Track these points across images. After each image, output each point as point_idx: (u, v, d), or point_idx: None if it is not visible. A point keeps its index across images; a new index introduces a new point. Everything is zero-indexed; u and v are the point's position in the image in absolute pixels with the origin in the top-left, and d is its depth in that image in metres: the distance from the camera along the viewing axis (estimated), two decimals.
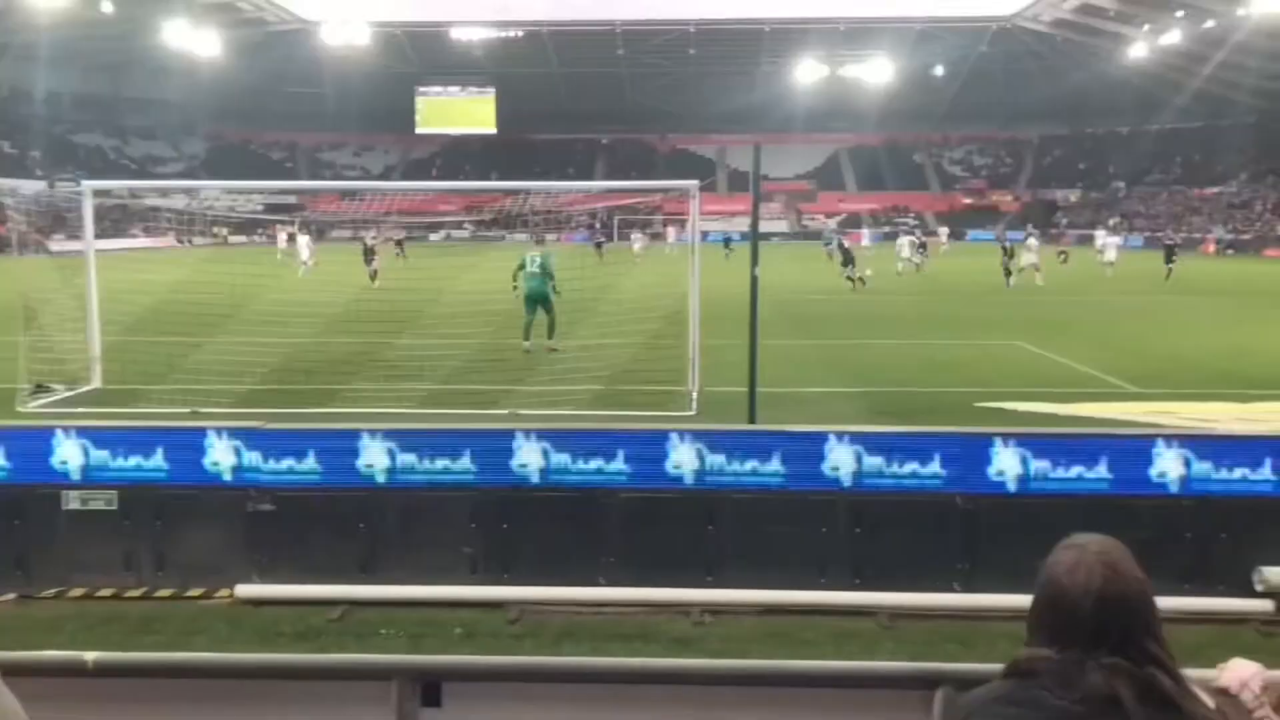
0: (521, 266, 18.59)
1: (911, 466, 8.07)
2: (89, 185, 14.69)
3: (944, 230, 66.45)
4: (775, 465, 8.14)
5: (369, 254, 34.68)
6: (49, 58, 74.22)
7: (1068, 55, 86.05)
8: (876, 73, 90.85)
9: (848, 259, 33.28)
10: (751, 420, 12.09)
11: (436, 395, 13.67)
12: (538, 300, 18.30)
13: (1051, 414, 12.97)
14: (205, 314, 16.43)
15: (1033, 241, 35.89)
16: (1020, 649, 1.95)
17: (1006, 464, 8.05)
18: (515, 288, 18.62)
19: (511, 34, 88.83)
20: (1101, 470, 8.02)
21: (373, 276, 32.58)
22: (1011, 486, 8.05)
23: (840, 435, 8.24)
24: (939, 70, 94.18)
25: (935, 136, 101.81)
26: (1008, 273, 33.50)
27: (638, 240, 53.22)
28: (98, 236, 15.42)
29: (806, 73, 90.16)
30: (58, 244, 54.10)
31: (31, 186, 76.31)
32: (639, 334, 15.85)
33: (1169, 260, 37.60)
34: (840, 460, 8.11)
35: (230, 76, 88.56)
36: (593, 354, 15.38)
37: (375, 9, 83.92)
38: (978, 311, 26.13)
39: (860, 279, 31.93)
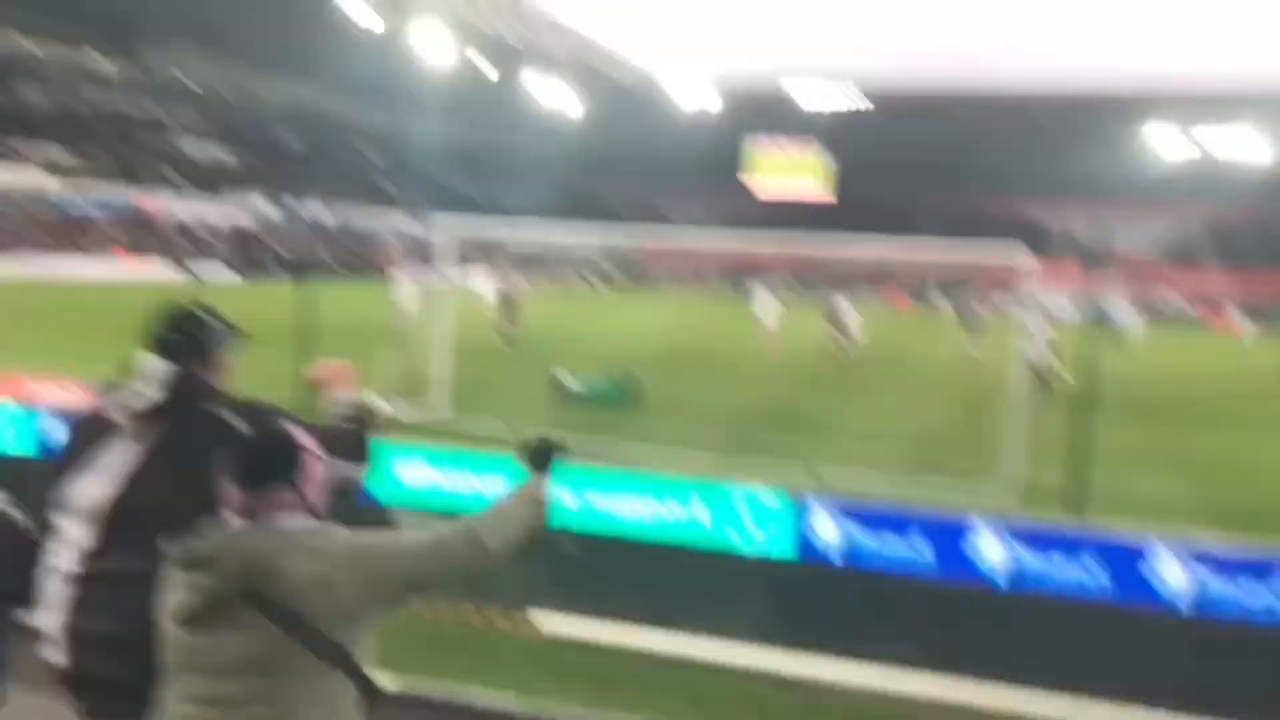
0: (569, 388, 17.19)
1: (1269, 598, 7.15)
2: (445, 222, 15.99)
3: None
4: (1098, 573, 7.50)
5: (509, 306, 25.66)
6: (431, 110, 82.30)
7: None
8: (1240, 140, 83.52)
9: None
10: (1077, 516, 11.25)
11: (734, 446, 13.63)
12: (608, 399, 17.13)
13: None
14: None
15: None
16: None
17: None
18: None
19: (848, 94, 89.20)
20: None
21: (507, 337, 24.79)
22: None
23: (1180, 547, 7.48)
24: None
25: None
26: None
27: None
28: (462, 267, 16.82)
29: (1160, 138, 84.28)
30: (422, 274, 59.84)
31: (408, 221, 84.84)
32: (956, 404, 15.15)
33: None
34: (1177, 576, 7.35)
35: (583, 131, 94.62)
36: (904, 420, 14.83)
37: (717, 68, 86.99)
38: None
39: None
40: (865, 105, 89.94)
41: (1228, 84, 77.96)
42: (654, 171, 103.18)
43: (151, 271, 54.31)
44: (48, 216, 53.65)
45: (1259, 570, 7.19)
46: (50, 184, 56.37)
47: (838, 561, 8.02)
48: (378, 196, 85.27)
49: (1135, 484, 13.47)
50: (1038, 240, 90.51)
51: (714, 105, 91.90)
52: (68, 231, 53.14)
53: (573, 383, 16.93)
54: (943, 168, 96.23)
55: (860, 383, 14.87)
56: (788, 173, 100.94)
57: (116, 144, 66.38)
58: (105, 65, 71.02)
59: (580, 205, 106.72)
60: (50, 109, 64.74)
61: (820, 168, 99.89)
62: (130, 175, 63.83)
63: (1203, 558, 7.34)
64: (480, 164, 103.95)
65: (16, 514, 3.46)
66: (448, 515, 8.73)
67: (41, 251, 50.23)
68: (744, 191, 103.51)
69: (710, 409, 16.40)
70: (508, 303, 23.52)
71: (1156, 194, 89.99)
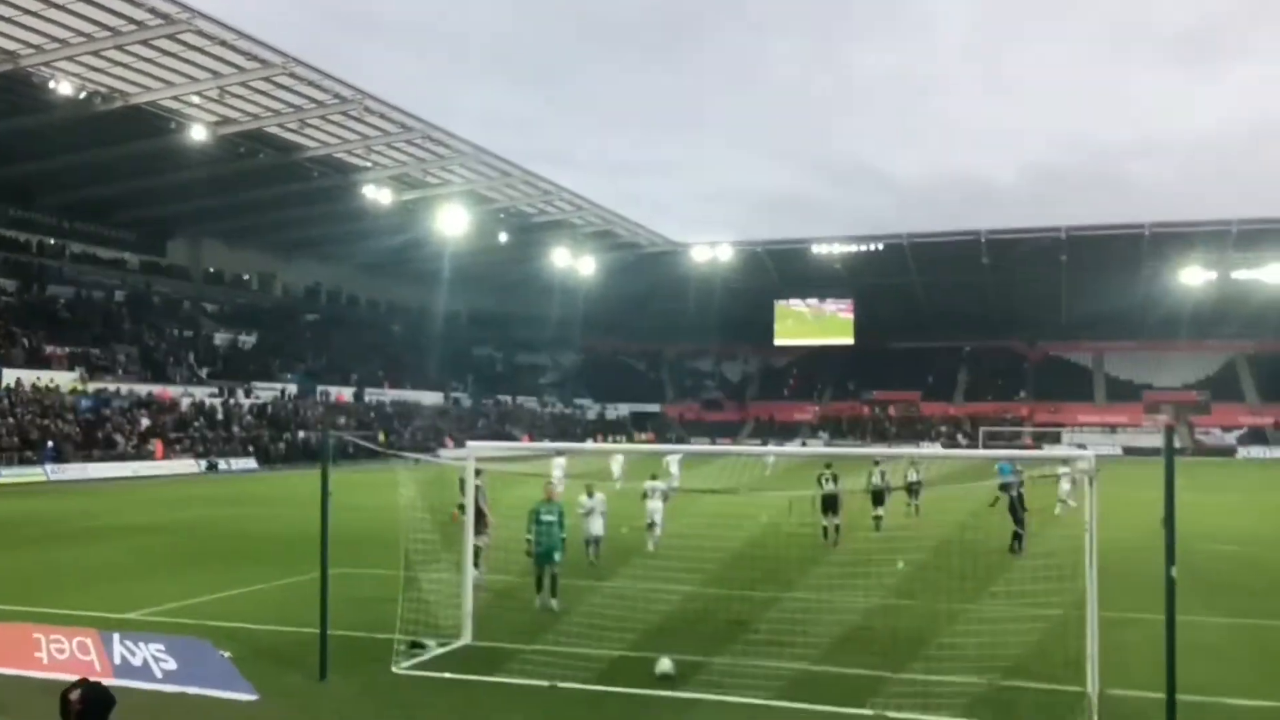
0: (535, 518, 16.84)
1: None
2: (473, 455, 15.19)
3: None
4: None
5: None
6: (452, 281, 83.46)
7: None
8: (1276, 274, 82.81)
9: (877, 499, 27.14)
10: None
11: (802, 679, 12.41)
12: (552, 550, 16.72)
13: None
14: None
15: None
16: None
17: None
18: (529, 542, 16.83)
19: (871, 247, 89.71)
20: None
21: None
22: None
23: None
24: None
25: None
26: None
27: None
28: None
29: (1194, 276, 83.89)
30: (448, 452, 59.13)
31: (430, 396, 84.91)
32: (1031, 602, 13.87)
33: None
34: None
35: (604, 294, 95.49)
36: (975, 629, 13.52)
37: (737, 230, 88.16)
38: None
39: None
40: (887, 257, 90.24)
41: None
42: (677, 332, 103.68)
43: (179, 466, 54.06)
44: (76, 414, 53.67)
45: None
46: (78, 381, 56.73)
47: None
48: (402, 375, 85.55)
49: None
50: (1077, 382, 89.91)
51: (737, 264, 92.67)
52: (97, 429, 53.07)
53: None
54: (972, 314, 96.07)
55: None
56: (813, 331, 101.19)
57: (144, 338, 67.11)
58: (133, 261, 72.43)
59: (601, 367, 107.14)
60: (80, 307, 65.81)
61: (846, 323, 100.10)
62: (157, 368, 64.30)
63: None
64: (503, 336, 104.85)
65: None
66: None
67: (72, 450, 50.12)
68: (773, 348, 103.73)
69: None
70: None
71: (1194, 332, 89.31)
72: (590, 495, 20.76)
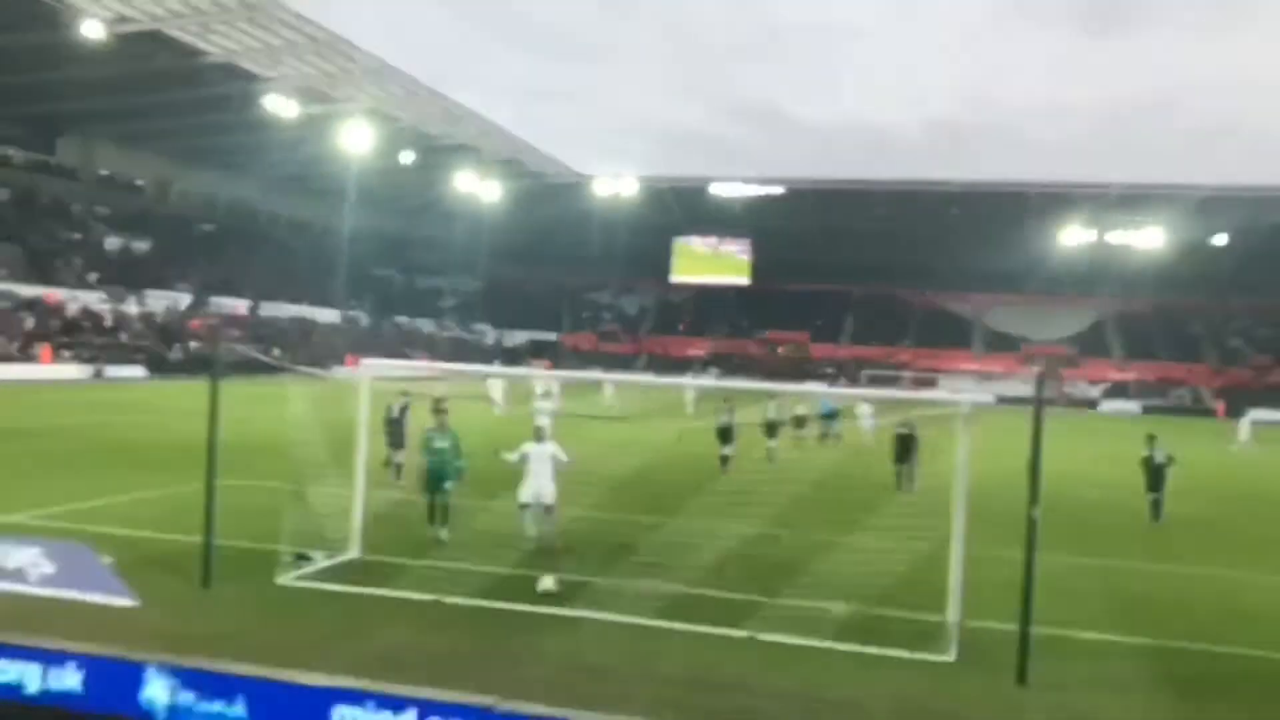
0: (426, 445, 16.41)
1: None
2: (366, 371, 15.10)
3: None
4: None
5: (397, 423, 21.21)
6: (355, 200, 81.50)
7: None
8: (1149, 238, 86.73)
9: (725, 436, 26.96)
10: (1021, 677, 10.72)
11: (682, 601, 12.90)
12: (442, 479, 16.06)
13: None
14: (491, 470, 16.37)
15: None
16: None
17: None
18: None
19: (772, 190, 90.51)
20: None
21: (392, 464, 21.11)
22: None
23: None
24: (1221, 239, 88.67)
25: (1214, 306, 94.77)
26: None
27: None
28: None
29: (1072, 236, 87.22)
30: (344, 370, 58.25)
31: (327, 314, 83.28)
32: (901, 536, 14.54)
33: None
34: None
35: (509, 222, 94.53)
36: (857, 560, 14.07)
37: (644, 165, 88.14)
38: None
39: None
40: (787, 201, 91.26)
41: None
42: (578, 263, 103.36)
43: (65, 371, 52.38)
44: None
45: None
46: None
47: None
48: (299, 292, 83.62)
49: None
50: (959, 331, 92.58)
51: (640, 199, 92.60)
52: None
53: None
54: (864, 261, 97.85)
55: None
56: (711, 269, 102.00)
57: (29, 238, 64.29)
58: (19, 157, 68.96)
59: (503, 295, 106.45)
60: None
61: (743, 263, 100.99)
62: (43, 270, 61.77)
63: None
64: (405, 258, 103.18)
65: None
66: None
67: None
68: (670, 284, 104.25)
69: None
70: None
71: (1069, 289, 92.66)
72: (540, 440, 16.32)
